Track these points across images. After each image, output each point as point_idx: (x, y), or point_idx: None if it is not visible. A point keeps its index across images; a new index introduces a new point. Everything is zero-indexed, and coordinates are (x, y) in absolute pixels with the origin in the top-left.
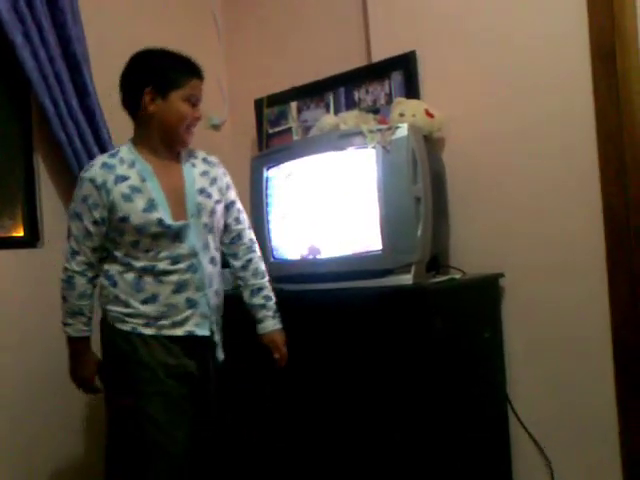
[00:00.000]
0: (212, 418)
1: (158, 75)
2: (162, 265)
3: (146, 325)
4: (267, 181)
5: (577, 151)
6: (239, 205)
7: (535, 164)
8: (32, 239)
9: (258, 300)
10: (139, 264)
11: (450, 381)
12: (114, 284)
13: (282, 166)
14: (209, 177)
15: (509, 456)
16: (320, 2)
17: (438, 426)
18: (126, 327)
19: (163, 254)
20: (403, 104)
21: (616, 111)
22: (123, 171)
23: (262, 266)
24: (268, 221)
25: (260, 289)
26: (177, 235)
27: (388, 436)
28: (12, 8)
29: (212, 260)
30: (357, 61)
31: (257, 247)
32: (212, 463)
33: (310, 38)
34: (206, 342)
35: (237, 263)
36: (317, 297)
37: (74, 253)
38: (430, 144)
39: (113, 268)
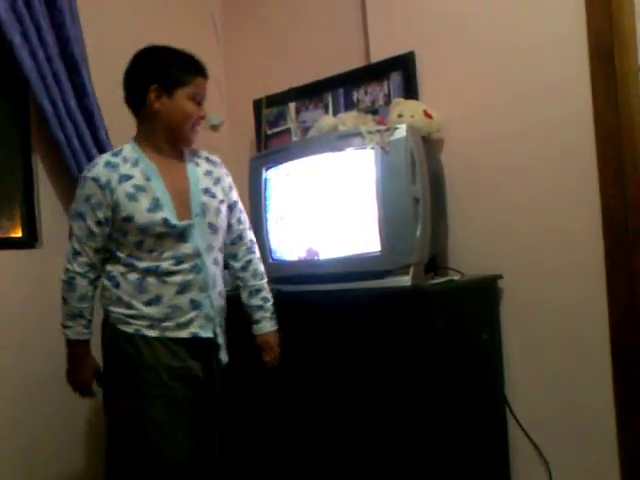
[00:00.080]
0: (216, 420)
1: (164, 72)
2: (166, 265)
3: (150, 327)
4: (266, 182)
5: (575, 152)
6: (241, 206)
7: (533, 165)
8: (30, 240)
9: (256, 301)
10: (142, 265)
11: (448, 382)
12: (117, 285)
13: (281, 167)
14: (213, 177)
15: (507, 457)
16: (319, 3)
17: (437, 427)
18: (129, 329)
19: (167, 254)
20: (402, 105)
21: (614, 112)
22: (127, 170)
23: (261, 267)
24: (267, 222)
25: (259, 290)
26: (181, 235)
27: (388, 437)
28: (10, 8)
29: (215, 261)
30: (356, 62)
31: (257, 248)
32: (215, 466)
33: (309, 39)
34: (210, 344)
35: (237, 264)
36: (316, 298)
37: (76, 254)
38: (429, 145)
39: (116, 269)
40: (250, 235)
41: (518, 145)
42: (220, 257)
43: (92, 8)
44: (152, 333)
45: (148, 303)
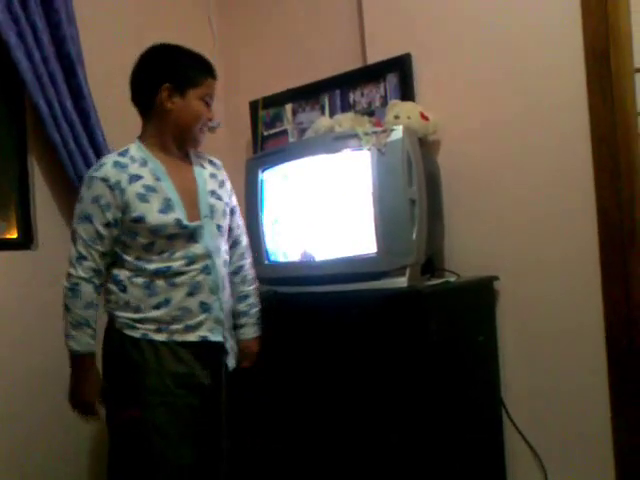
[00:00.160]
0: (223, 428)
1: (177, 72)
2: (177, 265)
3: (157, 331)
4: (262, 183)
5: (571, 153)
6: (239, 210)
7: (529, 166)
8: (26, 241)
9: (242, 307)
10: (152, 267)
11: (445, 384)
12: (123, 289)
13: (277, 168)
14: (217, 179)
15: (503, 458)
16: (315, 4)
17: (433, 428)
18: (136, 334)
19: (178, 254)
20: (398, 106)
21: (610, 113)
22: (136, 170)
23: (252, 273)
24: (263, 223)
25: (246, 296)
26: (191, 236)
27: (384, 439)
28: (6, 8)
29: (224, 263)
30: (352, 63)
31: (250, 253)
32: (222, 475)
33: (305, 40)
34: (219, 349)
35: (229, 268)
36: (312, 300)
37: (81, 258)
38: (425, 147)
39: (122, 273)
40: (245, 240)
41: (515, 146)
42: (227, 260)
43: (88, 8)
44: (159, 337)
45: (157, 306)
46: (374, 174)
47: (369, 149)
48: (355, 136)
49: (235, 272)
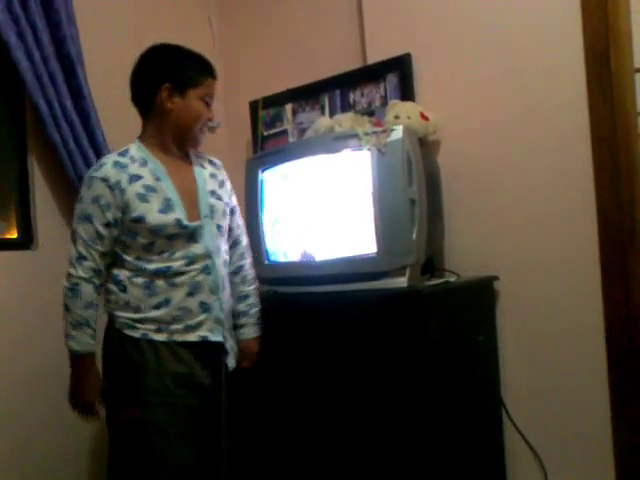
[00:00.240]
0: (223, 428)
1: (178, 72)
2: (177, 265)
3: (157, 331)
4: (262, 183)
5: (571, 153)
6: (239, 210)
7: (529, 167)
8: (26, 241)
9: (242, 307)
10: (152, 267)
11: (445, 384)
12: (123, 289)
13: (277, 168)
14: (217, 180)
15: (503, 458)
16: (315, 4)
17: (433, 428)
18: (136, 334)
19: (178, 254)
20: (398, 106)
21: (610, 112)
22: (136, 170)
23: (252, 273)
24: (263, 223)
25: (246, 296)
26: (191, 235)
27: (384, 438)
28: (6, 8)
29: (225, 263)
30: (352, 63)
31: (250, 253)
32: (220, 473)
33: (305, 40)
34: (218, 349)
35: (229, 268)
36: (312, 300)
37: (81, 258)
38: (425, 147)
39: (122, 273)
40: (245, 240)
41: (514, 146)
42: (227, 260)
43: (88, 8)
44: (159, 337)
45: (157, 306)
46: (374, 174)
47: (369, 149)
48: (355, 136)
49: (235, 272)
